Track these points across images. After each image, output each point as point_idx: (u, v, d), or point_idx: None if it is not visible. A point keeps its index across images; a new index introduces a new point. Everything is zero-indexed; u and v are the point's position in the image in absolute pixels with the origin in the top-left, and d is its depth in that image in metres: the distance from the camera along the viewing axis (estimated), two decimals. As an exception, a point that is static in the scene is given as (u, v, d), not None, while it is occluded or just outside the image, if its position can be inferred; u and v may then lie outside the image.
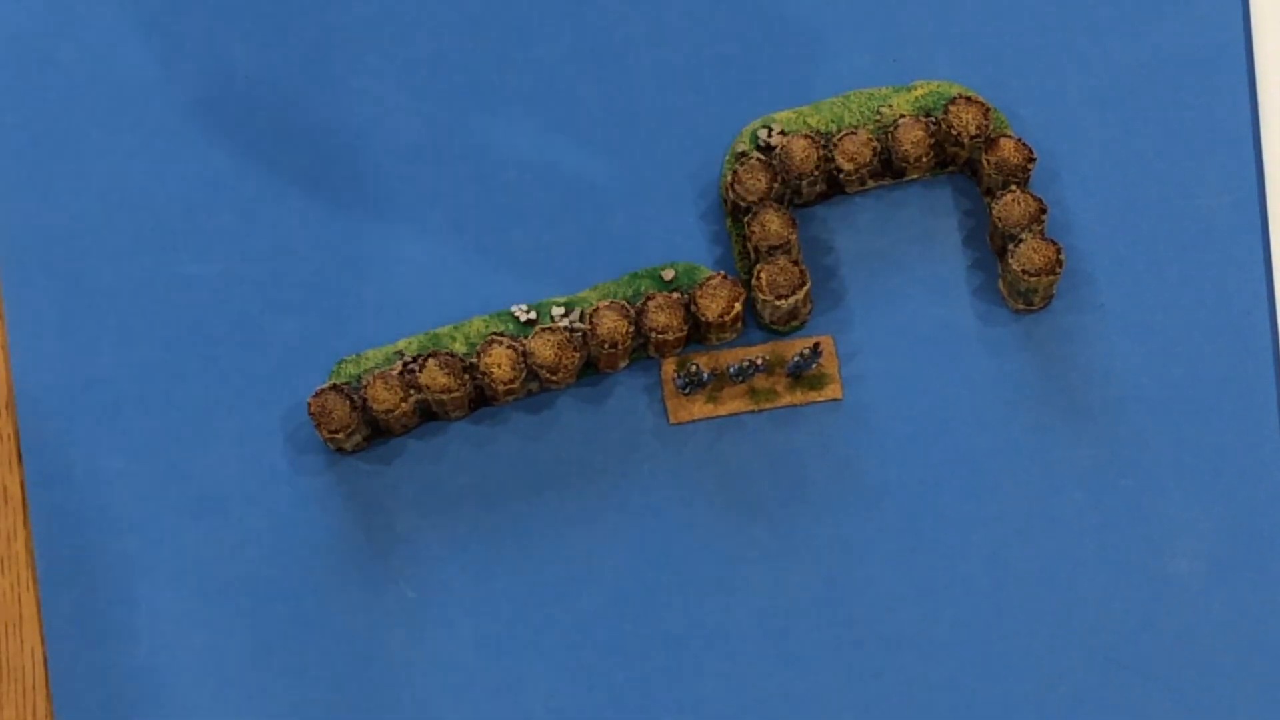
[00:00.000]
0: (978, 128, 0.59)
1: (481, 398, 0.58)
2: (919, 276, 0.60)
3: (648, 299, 0.58)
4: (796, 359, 0.58)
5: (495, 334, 0.58)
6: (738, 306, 0.58)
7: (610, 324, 0.57)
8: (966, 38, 0.62)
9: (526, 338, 0.57)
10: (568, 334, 0.57)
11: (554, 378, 0.57)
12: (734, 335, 0.59)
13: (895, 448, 0.58)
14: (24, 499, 0.58)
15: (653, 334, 0.58)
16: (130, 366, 0.59)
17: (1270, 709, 0.56)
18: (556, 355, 0.57)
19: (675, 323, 0.58)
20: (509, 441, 0.59)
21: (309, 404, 0.57)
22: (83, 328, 0.60)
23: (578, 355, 0.57)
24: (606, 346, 0.57)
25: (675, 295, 0.58)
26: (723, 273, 0.58)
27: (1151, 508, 0.58)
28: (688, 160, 0.61)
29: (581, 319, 0.58)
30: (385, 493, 0.58)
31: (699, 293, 0.58)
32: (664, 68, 0.62)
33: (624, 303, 0.58)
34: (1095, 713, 0.56)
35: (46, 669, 0.57)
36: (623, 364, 0.59)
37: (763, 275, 0.58)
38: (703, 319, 0.58)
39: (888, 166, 0.60)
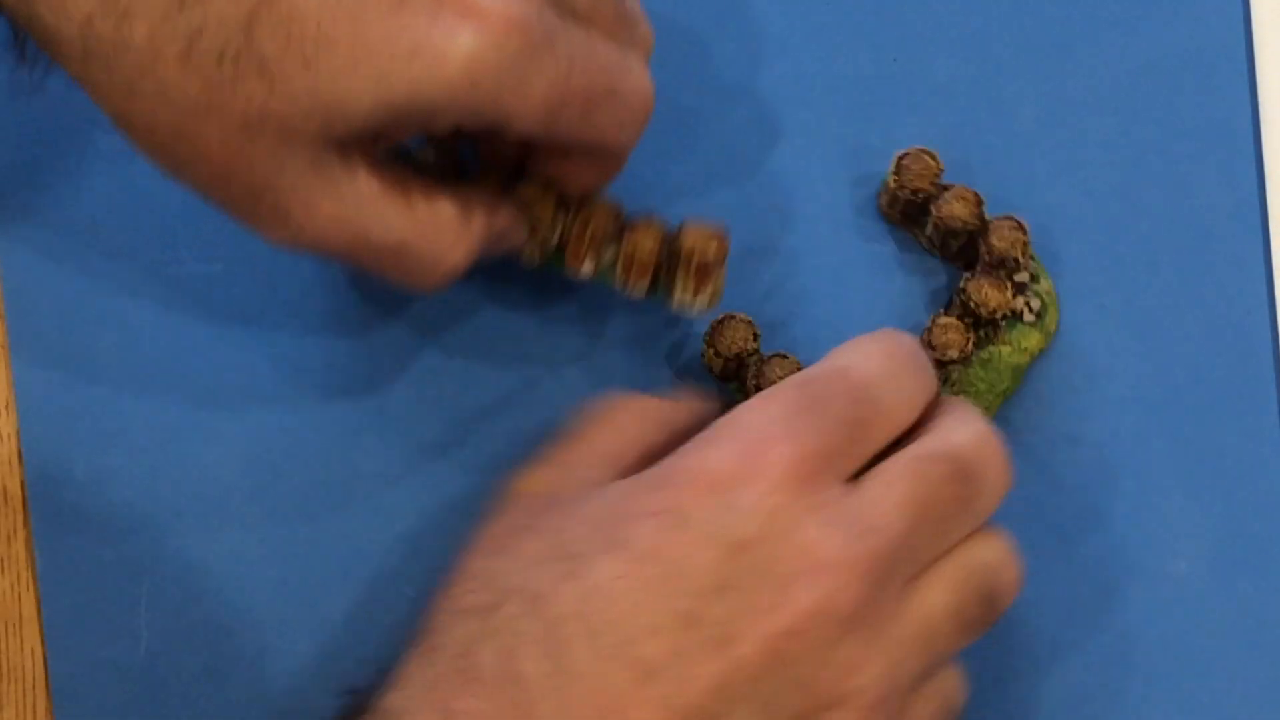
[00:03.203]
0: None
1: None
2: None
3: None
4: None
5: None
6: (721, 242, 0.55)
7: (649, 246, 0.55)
8: (966, 38, 0.62)
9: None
10: (665, 231, 0.55)
11: (632, 279, 0.55)
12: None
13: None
14: (24, 499, 0.58)
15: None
16: (130, 366, 0.59)
17: (1270, 709, 0.56)
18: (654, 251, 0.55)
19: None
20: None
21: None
22: (83, 327, 0.59)
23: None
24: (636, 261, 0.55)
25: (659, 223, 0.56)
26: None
27: (1151, 508, 0.58)
28: (688, 160, 0.61)
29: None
30: (390, 498, 0.58)
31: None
32: (664, 67, 0.62)
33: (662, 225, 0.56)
34: (1095, 713, 0.56)
35: (46, 669, 0.57)
36: (643, 283, 0.56)
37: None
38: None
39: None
